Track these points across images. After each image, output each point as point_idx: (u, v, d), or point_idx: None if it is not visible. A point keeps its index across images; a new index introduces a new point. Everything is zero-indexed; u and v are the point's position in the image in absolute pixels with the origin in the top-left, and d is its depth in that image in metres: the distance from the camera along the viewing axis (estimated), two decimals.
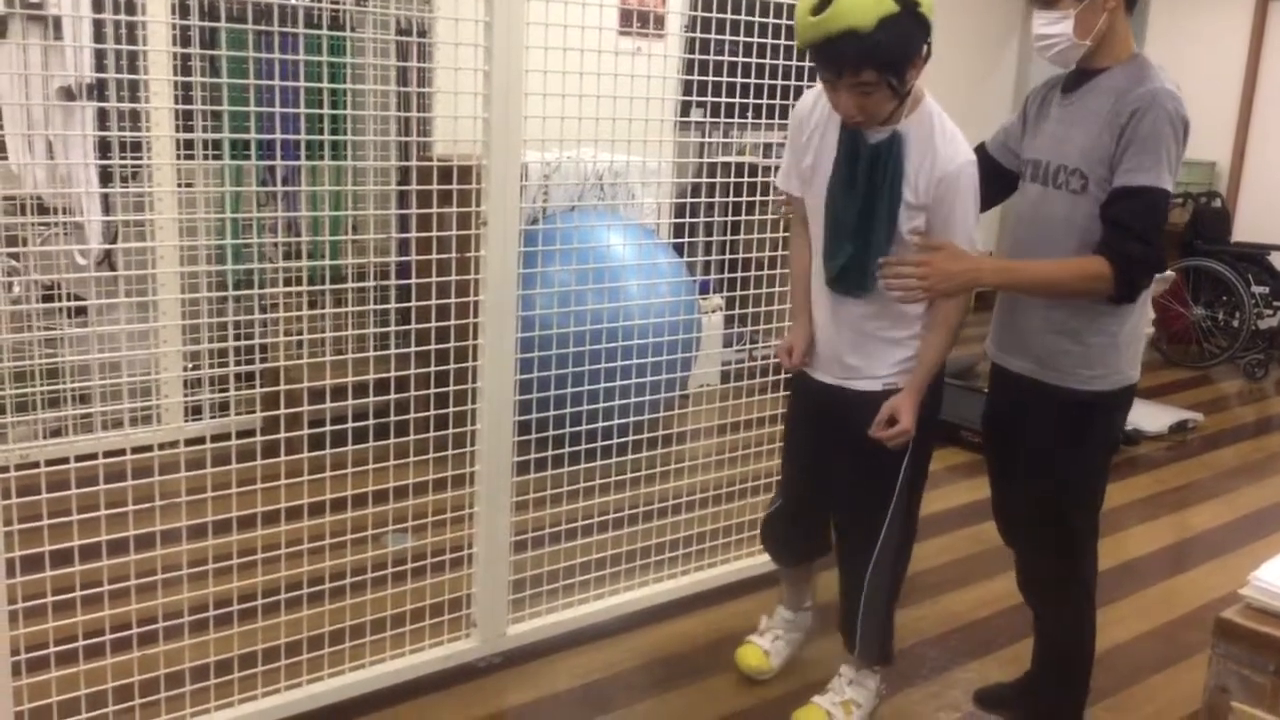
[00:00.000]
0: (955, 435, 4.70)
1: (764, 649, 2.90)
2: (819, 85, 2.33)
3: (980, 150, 2.52)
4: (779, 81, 3.22)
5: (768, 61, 3.15)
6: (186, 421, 4.12)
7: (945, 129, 2.32)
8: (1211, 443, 5.32)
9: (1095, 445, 2.38)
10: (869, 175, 2.33)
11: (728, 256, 3.43)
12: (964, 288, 2.26)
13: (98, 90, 3.69)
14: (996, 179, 2.49)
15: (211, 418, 4.19)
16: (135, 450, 2.43)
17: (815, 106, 2.44)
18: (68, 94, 3.60)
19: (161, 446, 2.43)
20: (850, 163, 2.36)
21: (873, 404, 2.41)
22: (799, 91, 3.21)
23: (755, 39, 3.16)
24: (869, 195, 2.34)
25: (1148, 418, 5.36)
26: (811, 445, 2.66)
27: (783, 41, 3.18)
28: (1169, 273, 5.58)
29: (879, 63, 2.12)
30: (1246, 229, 7.12)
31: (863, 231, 2.36)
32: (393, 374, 2.66)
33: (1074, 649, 2.53)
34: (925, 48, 2.20)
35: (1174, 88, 2.14)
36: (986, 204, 2.54)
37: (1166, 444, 5.24)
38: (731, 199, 3.36)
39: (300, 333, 3.77)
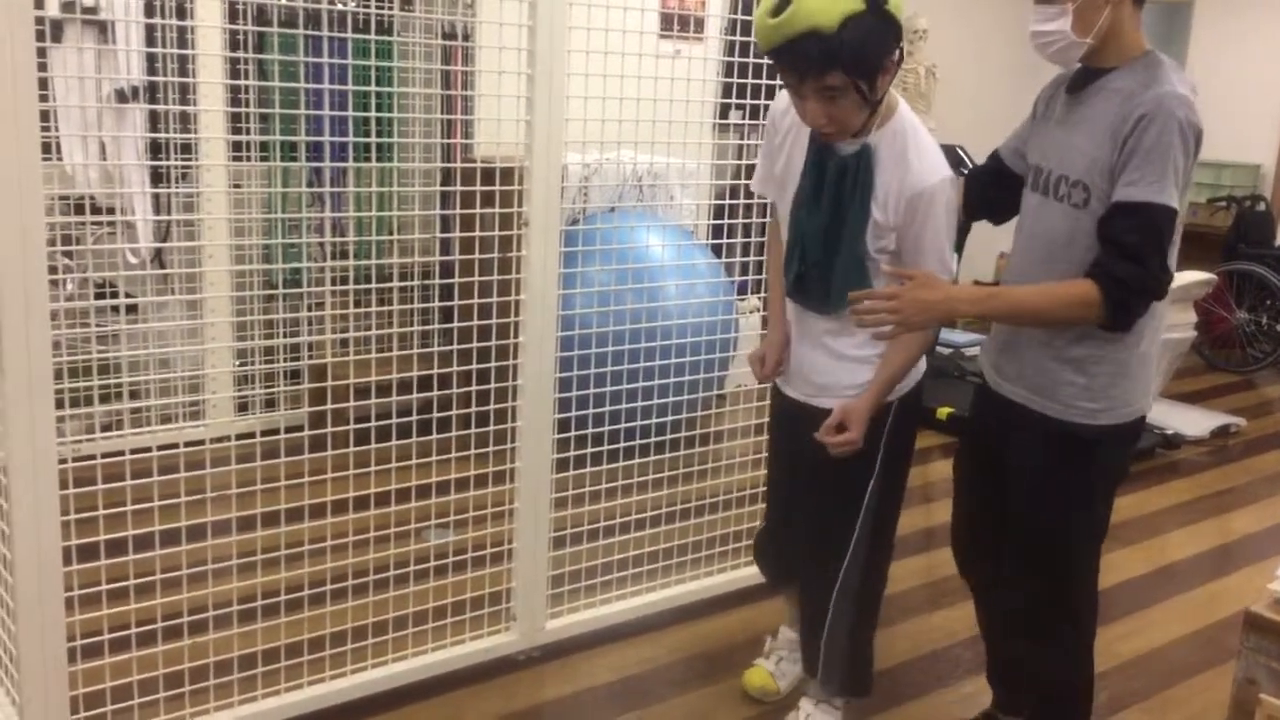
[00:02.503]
0: None
1: (770, 670, 2.82)
2: None
3: (994, 158, 2.38)
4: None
5: None
6: (236, 418, 4.20)
7: (920, 144, 2.18)
8: (1254, 447, 5.27)
9: (1098, 480, 2.18)
10: (835, 190, 2.21)
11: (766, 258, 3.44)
12: (939, 320, 2.08)
13: (149, 93, 3.78)
14: (1010, 189, 2.30)
15: (262, 412, 4.27)
16: (186, 444, 2.49)
17: (789, 109, 2.27)
18: (121, 97, 3.68)
19: (211, 442, 2.49)
20: (817, 175, 2.24)
21: None
22: None
23: None
24: (835, 211, 2.22)
25: (1189, 422, 5.32)
26: (787, 462, 2.56)
27: None
28: (1211, 276, 5.53)
29: (844, 64, 2.00)
30: None
31: (827, 248, 2.24)
32: (435, 371, 2.71)
33: (1066, 689, 2.34)
34: (897, 50, 2.08)
35: (1187, 91, 1.95)
36: (1002, 217, 2.38)
37: (1208, 448, 5.20)
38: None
39: (345, 331, 3.83)
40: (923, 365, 2.41)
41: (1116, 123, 1.96)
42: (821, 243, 2.26)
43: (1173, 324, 5.41)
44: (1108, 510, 2.26)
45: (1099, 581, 2.32)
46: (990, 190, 2.38)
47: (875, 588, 2.50)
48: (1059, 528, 2.20)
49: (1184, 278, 5.45)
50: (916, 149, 2.17)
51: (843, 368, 2.33)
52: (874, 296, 2.04)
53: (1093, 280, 1.95)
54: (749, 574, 3.38)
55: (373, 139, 3.94)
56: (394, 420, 2.68)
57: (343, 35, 3.17)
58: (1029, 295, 2.04)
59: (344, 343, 3.98)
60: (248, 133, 4.17)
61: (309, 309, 4.22)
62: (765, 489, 2.80)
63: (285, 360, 4.34)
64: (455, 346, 2.79)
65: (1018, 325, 2.14)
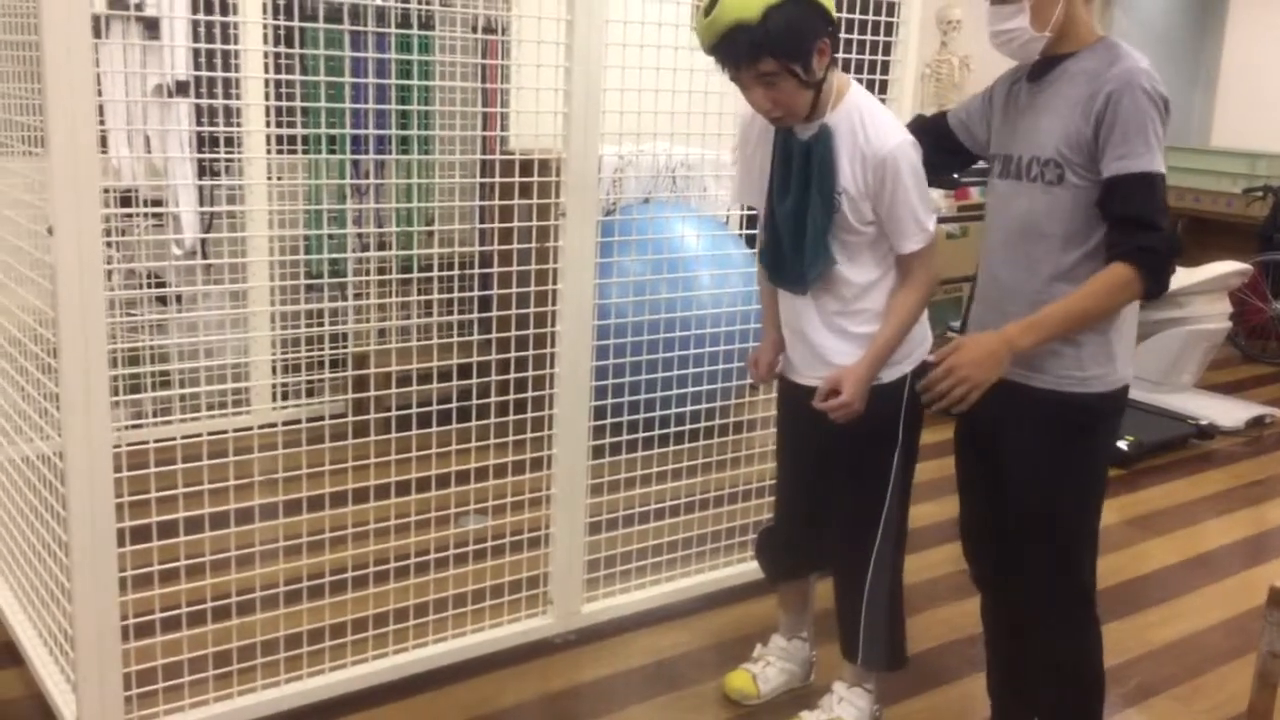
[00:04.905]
0: None
1: (753, 674, 2.80)
2: None
3: (940, 119, 2.46)
4: (850, 76, 3.26)
5: (840, 56, 3.18)
6: (277, 405, 4.27)
7: (874, 115, 2.30)
8: None
9: (1092, 453, 2.22)
10: (803, 173, 2.33)
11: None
12: (1003, 363, 2.07)
13: (193, 87, 3.85)
14: (947, 152, 2.43)
15: (304, 401, 4.34)
16: (235, 431, 2.56)
17: (755, 118, 2.42)
18: (166, 91, 3.75)
19: (258, 429, 2.56)
20: (784, 164, 2.37)
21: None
22: (869, 86, 3.25)
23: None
24: (802, 192, 2.33)
25: (1224, 412, 5.30)
26: (805, 456, 2.59)
27: (855, 36, 3.22)
28: (1246, 266, 5.50)
29: (772, 51, 2.14)
30: None
31: (798, 229, 2.36)
32: (474, 360, 2.76)
33: (1087, 674, 2.32)
34: (828, 34, 2.20)
35: (1149, 65, 2.04)
36: (935, 172, 2.43)
37: (1243, 439, 5.18)
38: None
39: (384, 321, 3.89)
40: (928, 334, 2.48)
41: (1086, 99, 2.04)
42: (793, 224, 2.37)
43: (1207, 314, 5.39)
44: (1103, 489, 2.29)
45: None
46: (924, 141, 2.40)
47: (902, 554, 2.57)
48: (1060, 507, 2.23)
49: (1219, 268, 5.42)
50: (872, 119, 2.29)
51: (855, 349, 2.38)
52: (932, 381, 2.08)
53: (1122, 260, 2.02)
54: None
55: (413, 132, 3.99)
56: (433, 408, 2.73)
57: (383, 30, 3.22)
58: (1074, 303, 2.08)
59: (383, 332, 4.04)
60: (290, 126, 4.24)
61: (349, 299, 4.28)
62: (775, 493, 2.77)
63: (326, 350, 4.41)
64: (493, 335, 2.84)
65: (1070, 333, 2.13)
